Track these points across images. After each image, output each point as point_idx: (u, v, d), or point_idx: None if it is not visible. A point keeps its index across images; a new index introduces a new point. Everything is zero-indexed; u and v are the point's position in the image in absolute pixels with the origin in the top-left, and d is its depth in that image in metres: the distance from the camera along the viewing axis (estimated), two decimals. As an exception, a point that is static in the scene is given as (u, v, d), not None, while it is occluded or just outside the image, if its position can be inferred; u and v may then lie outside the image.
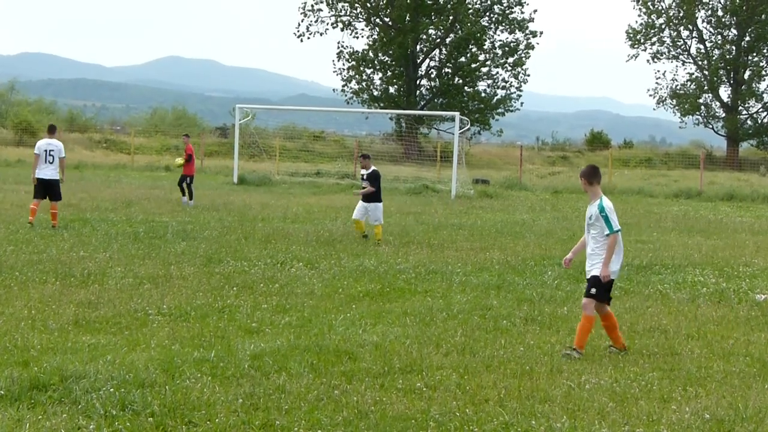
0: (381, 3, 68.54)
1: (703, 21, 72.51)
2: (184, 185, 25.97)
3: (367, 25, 70.05)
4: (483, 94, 69.32)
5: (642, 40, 73.10)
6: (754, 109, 73.37)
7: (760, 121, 72.98)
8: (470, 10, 67.73)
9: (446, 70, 69.88)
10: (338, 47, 69.34)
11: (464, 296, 12.32)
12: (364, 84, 69.63)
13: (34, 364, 7.99)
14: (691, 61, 73.61)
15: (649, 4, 72.56)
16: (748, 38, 71.22)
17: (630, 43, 73.51)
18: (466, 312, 11.22)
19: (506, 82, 69.29)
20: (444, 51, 69.59)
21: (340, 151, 54.42)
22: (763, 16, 69.76)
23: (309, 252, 16.22)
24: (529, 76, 69.50)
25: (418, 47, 68.97)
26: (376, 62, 69.40)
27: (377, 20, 69.44)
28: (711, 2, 71.75)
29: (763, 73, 71.97)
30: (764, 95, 72.31)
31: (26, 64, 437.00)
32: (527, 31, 68.58)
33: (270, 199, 29.12)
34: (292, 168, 45.77)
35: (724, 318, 11.42)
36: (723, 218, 27.08)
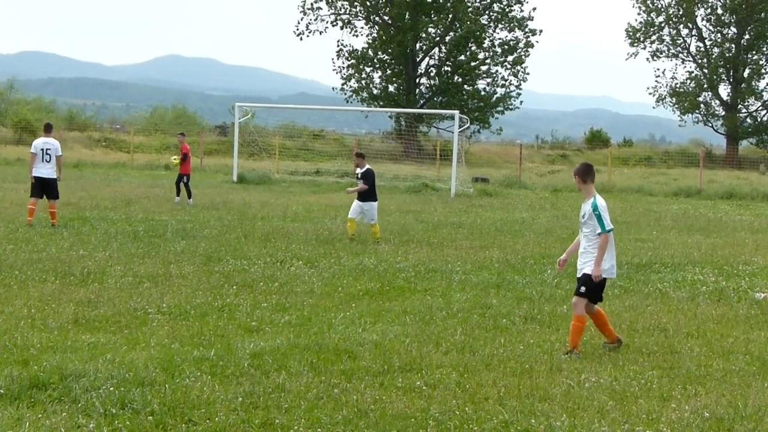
0: (380, 1, 68.55)
1: (702, 19, 72.53)
2: (181, 184, 26.01)
3: (366, 24, 70.09)
4: (482, 93, 69.33)
5: (641, 39, 73.08)
6: (754, 108, 73.41)
7: (759, 120, 72.97)
8: (470, 9, 67.73)
9: (446, 68, 69.89)
10: (338, 45, 69.42)
11: (464, 295, 12.32)
12: (363, 82, 69.65)
13: (33, 362, 7.99)
14: (691, 59, 73.62)
15: (649, 2, 72.54)
16: (747, 36, 71.21)
17: (629, 41, 73.51)
18: (466, 310, 11.22)
19: (506, 80, 69.35)
20: (443, 49, 69.59)
21: (340, 149, 54.41)
22: (762, 14, 69.75)
23: (309, 250, 16.22)
24: (528, 74, 69.58)
25: (417, 45, 68.97)
26: (375, 60, 69.40)
27: (377, 18, 69.44)
28: (710, 0, 71.75)
29: (763, 71, 71.97)
30: (764, 93, 72.35)
31: (26, 62, 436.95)
32: (527, 30, 68.61)
33: (270, 197, 29.12)
34: (292, 166, 45.76)
35: (724, 316, 11.43)
36: (722, 216, 27.08)
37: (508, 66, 68.92)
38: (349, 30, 69.90)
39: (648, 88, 75.31)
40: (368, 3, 68.95)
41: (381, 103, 68.63)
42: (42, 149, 18.79)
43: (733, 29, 71.95)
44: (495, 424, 6.81)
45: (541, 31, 69.07)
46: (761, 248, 19.01)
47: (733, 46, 71.99)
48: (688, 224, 24.11)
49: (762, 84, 72.75)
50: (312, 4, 69.16)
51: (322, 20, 69.47)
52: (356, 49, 69.48)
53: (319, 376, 7.97)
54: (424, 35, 68.68)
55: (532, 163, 57.89)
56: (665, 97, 74.01)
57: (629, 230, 21.96)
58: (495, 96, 69.03)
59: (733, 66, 71.86)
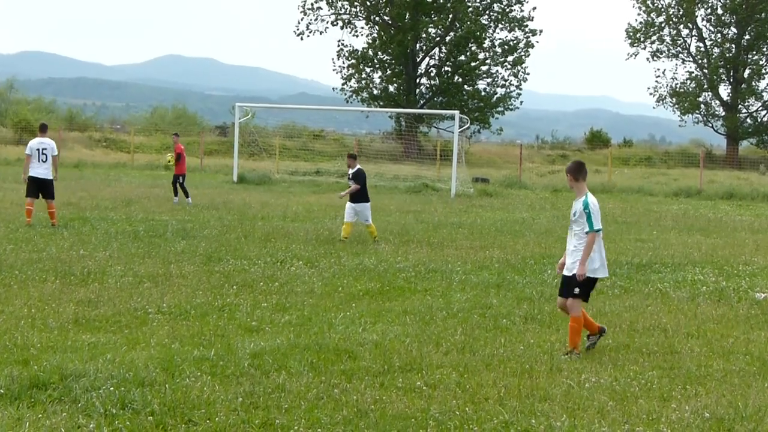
0: (381, 1, 68.54)
1: (702, 19, 72.51)
2: (177, 185, 26.04)
3: (366, 24, 70.08)
4: (483, 93, 69.31)
5: (642, 39, 73.05)
6: (754, 108, 73.36)
7: (759, 120, 72.94)
8: (470, 9, 67.72)
9: (446, 68, 69.88)
10: (338, 45, 69.41)
11: (464, 295, 12.32)
12: (363, 82, 69.64)
13: (34, 362, 7.99)
14: (691, 59, 73.60)
15: (649, 2, 72.52)
16: (747, 36, 71.19)
17: (630, 41, 73.47)
18: (466, 311, 11.22)
19: (506, 80, 69.32)
20: (444, 49, 69.57)
21: (340, 149, 54.38)
22: (762, 15, 69.72)
23: (309, 250, 16.23)
24: (528, 74, 69.54)
25: (417, 46, 68.96)
26: (375, 61, 69.39)
27: (377, 18, 69.44)
28: (711, 0, 71.73)
29: (763, 71, 71.94)
30: (764, 94, 72.31)
31: (26, 62, 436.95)
32: (527, 30, 68.60)
33: (270, 197, 29.12)
34: (292, 167, 45.76)
35: (724, 316, 11.43)
36: (723, 217, 27.09)
37: (508, 66, 68.91)
38: (349, 30, 69.94)
39: (648, 89, 75.36)
40: (368, 3, 68.95)
41: (381, 104, 68.63)
42: (38, 149, 18.79)
43: (734, 29, 71.94)
44: (495, 424, 6.81)
45: (541, 31, 69.10)
46: (761, 248, 19.01)
47: (734, 46, 71.96)
48: (688, 224, 24.11)
49: (762, 84, 72.80)
50: (312, 4, 69.20)
51: (323, 20, 69.49)
52: (356, 49, 69.49)
53: (320, 376, 7.97)
54: (424, 35, 68.66)
55: (533, 164, 57.90)
56: (665, 98, 73.99)
57: (629, 230, 21.96)
58: (495, 96, 69.01)
59: (733, 66, 71.85)
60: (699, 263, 16.17)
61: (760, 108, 73.04)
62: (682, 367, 8.74)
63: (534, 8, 69.42)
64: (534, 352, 9.15)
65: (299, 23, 69.70)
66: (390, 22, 68.45)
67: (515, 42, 68.58)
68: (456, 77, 69.48)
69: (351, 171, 18.64)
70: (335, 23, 69.47)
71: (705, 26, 72.73)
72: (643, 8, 72.73)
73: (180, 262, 14.25)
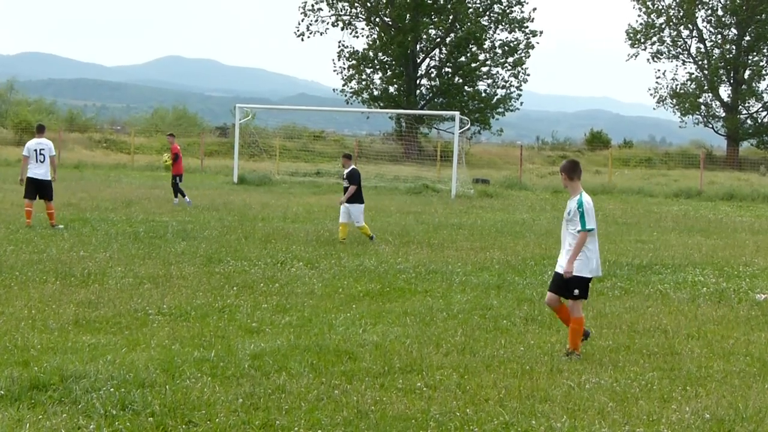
0: (381, 2, 68.55)
1: (703, 20, 72.53)
2: (175, 185, 26.07)
3: (367, 25, 70.08)
4: (483, 94, 69.31)
5: (642, 40, 73.07)
6: (754, 109, 73.36)
7: (760, 121, 72.95)
8: (470, 10, 67.73)
9: (446, 69, 69.88)
10: (339, 46, 69.43)
11: (464, 296, 12.32)
12: (364, 83, 69.66)
13: (34, 363, 7.99)
14: (691, 60, 73.61)
15: (649, 3, 72.54)
16: (748, 38, 71.20)
17: (630, 42, 73.49)
18: (466, 312, 11.22)
19: (506, 81, 69.30)
20: (444, 50, 69.59)
21: (340, 150, 54.28)
22: (763, 16, 69.73)
23: (309, 252, 16.23)
24: (529, 75, 69.54)
25: (418, 47, 68.97)
26: (376, 62, 69.41)
27: (377, 20, 69.46)
28: (711, 2, 71.72)
29: (763, 72, 71.94)
30: (764, 95, 72.30)
31: (26, 63, 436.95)
32: (527, 31, 68.63)
33: (270, 198, 29.12)
34: (292, 168, 45.78)
35: (724, 318, 11.42)
36: (723, 218, 27.08)
37: (509, 67, 68.91)
38: (349, 31, 69.97)
39: (648, 90, 75.42)
40: (369, 4, 68.97)
41: (381, 105, 68.64)
42: (35, 150, 18.80)
43: (734, 30, 71.95)
44: (495, 425, 6.81)
45: (541, 32, 69.10)
46: (762, 249, 19.01)
47: (734, 47, 71.98)
48: (688, 225, 24.11)
49: (762, 85, 72.85)
50: (313, 5, 69.23)
51: (323, 21, 69.50)
52: (357, 51, 69.51)
53: (320, 377, 7.97)
54: (424, 36, 68.69)
55: (533, 164, 57.90)
56: (666, 99, 74.00)
57: (630, 231, 21.97)
58: (495, 97, 69.02)
59: (733, 67, 71.86)
60: (699, 264, 16.16)
61: (761, 109, 73.05)
62: (683, 369, 8.74)
63: (534, 9, 69.44)
64: (534, 353, 9.15)
65: (299, 24, 69.79)
66: (390, 23, 68.48)
67: (515, 43, 68.60)
68: (456, 78, 69.49)
69: (345, 171, 18.67)
70: (335, 24, 69.50)
71: (705, 27, 72.80)
72: (644, 9, 72.76)
73: (180, 263, 14.24)
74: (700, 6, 71.53)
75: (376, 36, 69.44)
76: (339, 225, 18.58)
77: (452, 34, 68.66)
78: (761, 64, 72.13)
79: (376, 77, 70.21)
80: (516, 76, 68.92)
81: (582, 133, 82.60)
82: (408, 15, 67.23)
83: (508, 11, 68.61)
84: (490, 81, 69.71)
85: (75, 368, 7.75)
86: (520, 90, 69.28)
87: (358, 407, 7.11)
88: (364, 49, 69.43)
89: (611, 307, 11.82)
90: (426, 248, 17.43)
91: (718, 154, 68.57)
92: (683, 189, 38.30)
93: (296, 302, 11.52)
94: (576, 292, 9.13)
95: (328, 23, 69.57)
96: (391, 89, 69.79)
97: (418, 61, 69.64)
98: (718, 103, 73.31)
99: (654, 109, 76.30)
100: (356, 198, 18.29)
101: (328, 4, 68.99)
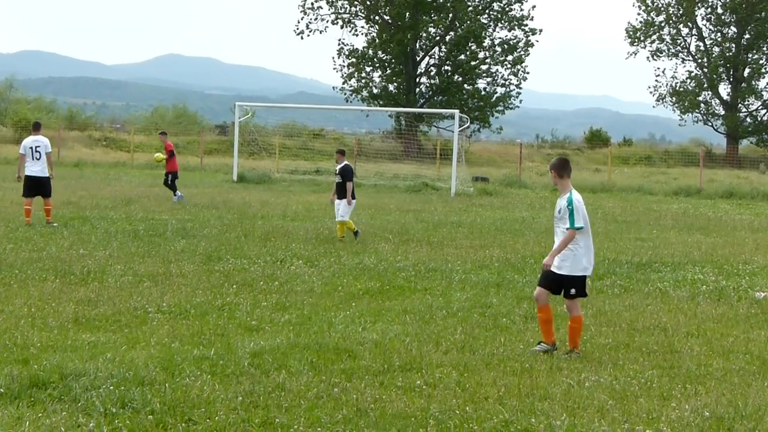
0: (380, 1, 68.54)
1: (702, 18, 72.53)
2: (172, 182, 26.06)
3: (366, 23, 70.08)
4: (483, 92, 69.34)
5: (642, 38, 73.08)
6: (754, 107, 73.42)
7: (759, 119, 72.97)
8: (470, 8, 67.74)
9: (446, 67, 69.90)
10: (338, 44, 69.43)
11: (464, 294, 12.32)
12: (363, 81, 69.65)
13: (33, 361, 7.99)
14: (691, 58, 73.62)
15: (649, 1, 72.53)
16: (747, 36, 71.20)
17: (630, 40, 73.51)
18: (466, 310, 11.22)
19: (506, 79, 69.36)
20: (443, 49, 69.59)
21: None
22: (762, 14, 69.74)
23: (309, 250, 16.23)
24: (528, 73, 69.60)
25: (417, 45, 68.97)
26: (375, 60, 69.41)
27: (377, 18, 69.44)
28: (711, 0, 71.73)
29: (763, 70, 71.96)
30: (764, 93, 72.34)
31: (26, 62, 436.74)
32: (527, 29, 68.64)
33: (270, 196, 29.12)
34: (292, 166, 45.76)
35: (724, 316, 11.43)
36: (722, 216, 27.08)
37: (508, 65, 68.94)
38: (349, 29, 69.99)
39: (648, 88, 75.40)
40: (368, 2, 68.95)
41: (381, 103, 68.63)
42: (31, 147, 18.81)
43: (734, 29, 71.95)
44: (495, 423, 6.81)
45: (540, 31, 69.16)
46: (761, 247, 19.01)
47: (733, 45, 71.97)
48: (688, 223, 24.11)
49: (762, 83, 72.83)
50: (312, 4, 69.21)
51: (323, 19, 69.52)
52: (356, 49, 69.52)
53: (319, 375, 7.97)
54: (424, 34, 68.67)
55: (532, 163, 57.85)
56: (665, 97, 74.01)
57: (629, 229, 21.97)
58: (495, 95, 69.05)
59: (733, 65, 71.86)
60: (699, 262, 16.17)
61: (760, 107, 73.08)
62: (682, 366, 8.75)
63: (533, 7, 69.53)
64: (534, 352, 9.14)
65: (299, 22, 69.79)
66: (390, 21, 68.47)
67: (515, 41, 68.62)
68: (456, 76, 69.50)
69: (338, 166, 18.68)
70: (335, 22, 69.50)
71: (705, 25, 72.81)
72: (643, 7, 72.75)
73: (180, 262, 14.25)
74: (699, 4, 71.53)
75: (375, 34, 69.42)
76: (337, 223, 18.59)
77: (452, 32, 68.65)
78: (761, 62, 72.16)
79: (376, 75, 70.30)
80: (515, 74, 68.97)
81: (582, 131, 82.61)
82: (407, 13, 67.22)
83: (507, 9, 68.62)
84: (489, 79, 69.79)
85: (75, 366, 7.75)
86: (520, 88, 69.31)
87: (357, 405, 7.11)
88: (363, 47, 69.45)
89: (611, 305, 11.82)
90: (425, 246, 17.43)
91: (718, 152, 68.60)
92: (683, 187, 38.31)
93: (296, 300, 11.52)
94: (572, 291, 9.12)
95: (327, 21, 69.62)
96: (391, 87, 69.80)
97: (418, 59, 69.63)
98: (717, 101, 73.33)
99: (654, 107, 76.29)
100: (345, 194, 18.23)
101: (327, 3, 69.00)
